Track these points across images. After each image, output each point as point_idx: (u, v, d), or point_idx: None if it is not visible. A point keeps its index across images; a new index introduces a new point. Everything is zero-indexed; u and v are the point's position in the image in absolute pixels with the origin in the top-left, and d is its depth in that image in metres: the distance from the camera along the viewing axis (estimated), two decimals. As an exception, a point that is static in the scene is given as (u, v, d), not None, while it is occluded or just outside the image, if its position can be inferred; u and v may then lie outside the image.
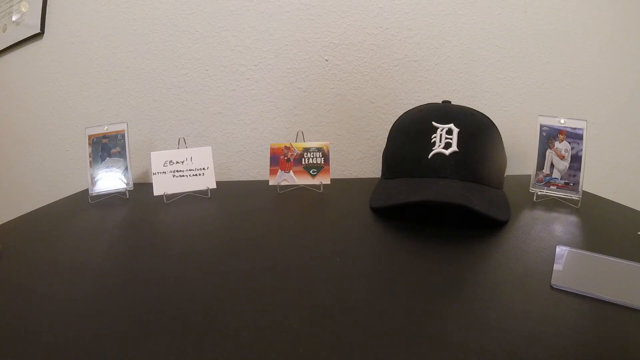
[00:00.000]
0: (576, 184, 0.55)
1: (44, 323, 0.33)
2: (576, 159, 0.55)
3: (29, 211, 0.66)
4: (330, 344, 0.28)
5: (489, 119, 0.59)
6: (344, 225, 0.53)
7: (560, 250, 0.41)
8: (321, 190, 0.67)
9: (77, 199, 0.72)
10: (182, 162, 0.67)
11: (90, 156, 0.68)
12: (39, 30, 0.81)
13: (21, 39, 0.83)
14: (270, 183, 0.67)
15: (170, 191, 0.66)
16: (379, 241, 0.48)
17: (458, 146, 0.52)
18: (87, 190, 0.69)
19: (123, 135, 0.69)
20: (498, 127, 0.58)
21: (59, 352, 0.29)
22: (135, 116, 0.83)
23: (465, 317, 0.31)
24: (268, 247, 0.47)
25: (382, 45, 0.76)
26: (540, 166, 0.58)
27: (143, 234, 0.54)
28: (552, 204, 0.57)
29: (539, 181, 0.58)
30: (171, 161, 0.66)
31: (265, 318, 0.32)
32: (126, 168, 0.69)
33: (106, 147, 0.69)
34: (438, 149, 0.53)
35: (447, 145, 0.53)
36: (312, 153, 0.67)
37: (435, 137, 0.54)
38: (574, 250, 0.41)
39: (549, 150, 0.57)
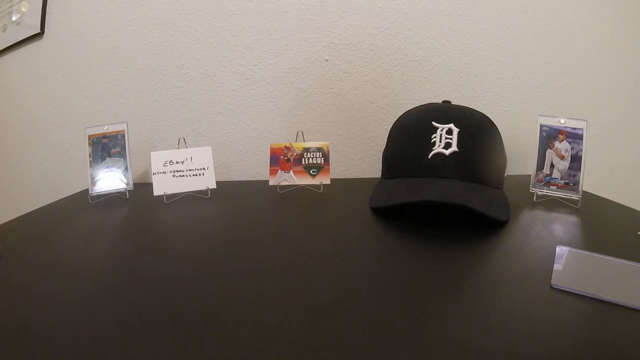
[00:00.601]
0: (576, 184, 0.55)
1: (44, 323, 0.33)
2: (576, 159, 0.55)
3: (29, 211, 0.66)
4: (330, 344, 0.28)
5: (489, 119, 0.59)
6: (344, 225, 0.53)
7: (560, 250, 0.41)
8: (321, 190, 0.67)
9: (77, 199, 0.72)
10: (182, 162, 0.67)
11: (90, 156, 0.68)
12: (39, 30, 0.81)
13: (21, 39, 0.83)
14: (270, 183, 0.67)
15: (170, 191, 0.66)
16: (379, 241, 0.48)
17: (458, 146, 0.52)
18: (87, 190, 0.69)
19: (123, 135, 0.69)
20: (498, 127, 0.58)
21: (59, 352, 0.29)
22: (135, 116, 0.83)
23: (465, 317, 0.31)
24: (268, 247, 0.47)
25: (382, 45, 0.76)
26: (540, 166, 0.57)
27: (143, 234, 0.54)
28: (552, 204, 0.57)
29: (539, 181, 0.58)
30: (171, 161, 0.66)
31: (265, 318, 0.32)
32: (126, 168, 0.69)
33: (106, 147, 0.69)
34: (438, 149, 0.53)
35: (447, 145, 0.53)
36: (312, 153, 0.67)
37: (435, 137, 0.54)
38: (574, 250, 0.41)
39: (549, 150, 0.57)
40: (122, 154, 0.69)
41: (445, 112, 0.57)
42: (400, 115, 0.64)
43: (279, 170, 0.67)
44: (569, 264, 0.38)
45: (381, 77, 0.77)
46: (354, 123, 0.79)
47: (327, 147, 0.67)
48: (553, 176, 0.57)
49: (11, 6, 0.85)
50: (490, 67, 0.76)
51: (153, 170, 0.66)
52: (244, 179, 0.83)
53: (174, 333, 0.30)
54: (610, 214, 0.55)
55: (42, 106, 0.86)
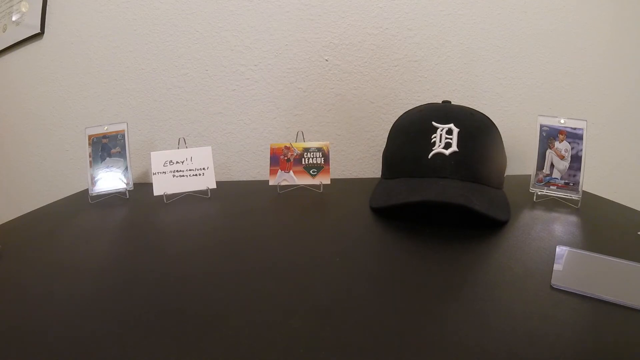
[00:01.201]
0: (576, 184, 0.55)
1: (44, 323, 0.33)
2: (576, 159, 0.55)
3: (29, 211, 0.66)
4: (330, 344, 0.28)
5: (489, 119, 0.59)
6: (344, 225, 0.53)
7: (560, 250, 0.41)
8: (321, 190, 0.67)
9: (77, 199, 0.72)
10: (182, 162, 0.67)
11: (90, 156, 0.68)
12: (39, 30, 0.81)
13: (21, 39, 0.83)
14: (270, 183, 0.67)
15: (170, 191, 0.66)
16: (379, 241, 0.48)
17: (458, 146, 0.52)
18: (87, 190, 0.69)
19: (123, 135, 0.69)
20: (498, 127, 0.58)
21: (59, 352, 0.29)
22: (135, 116, 0.83)
23: (465, 317, 0.31)
24: (268, 247, 0.47)
25: (382, 45, 0.76)
26: (540, 166, 0.57)
27: (143, 234, 0.54)
28: (552, 204, 0.57)
29: (539, 181, 0.58)
30: (171, 161, 0.66)
31: (265, 318, 0.32)
32: (126, 168, 0.69)
33: (106, 147, 0.69)
34: (438, 149, 0.53)
35: (447, 145, 0.53)
36: (312, 153, 0.67)
37: (435, 137, 0.54)
38: (574, 250, 0.41)
39: (549, 150, 0.57)
40: (122, 154, 0.69)
41: (445, 112, 0.57)
42: (400, 115, 0.64)
43: (279, 170, 0.67)
44: (569, 264, 0.38)
45: (381, 77, 0.77)
46: (354, 123, 0.79)
47: (327, 147, 0.67)
48: (553, 176, 0.57)
49: (11, 6, 0.85)
50: (490, 67, 0.76)
51: (153, 170, 0.66)
52: (244, 179, 0.83)
53: (174, 333, 0.30)
54: (610, 214, 0.55)
55: (42, 106, 0.86)
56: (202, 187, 0.67)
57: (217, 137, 0.82)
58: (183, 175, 0.67)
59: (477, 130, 0.55)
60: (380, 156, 0.66)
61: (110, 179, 0.69)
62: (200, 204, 0.64)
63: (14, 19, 0.84)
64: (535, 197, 0.58)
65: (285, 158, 0.67)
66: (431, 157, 0.53)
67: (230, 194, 0.69)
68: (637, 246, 0.43)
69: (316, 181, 0.66)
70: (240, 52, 0.78)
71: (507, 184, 0.58)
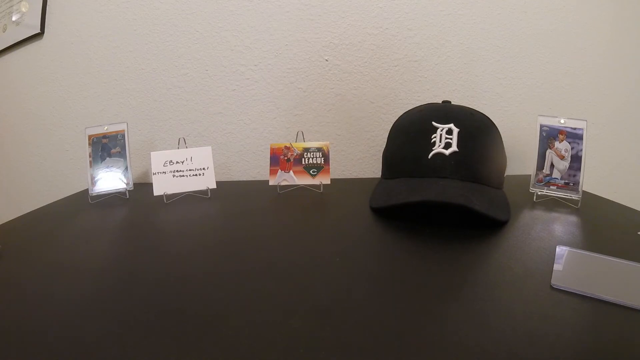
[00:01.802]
0: (576, 184, 0.55)
1: (44, 323, 0.33)
2: (576, 159, 0.55)
3: (29, 211, 0.66)
4: (330, 344, 0.28)
5: (489, 119, 0.59)
6: (344, 225, 0.53)
7: (560, 250, 0.41)
8: (321, 190, 0.67)
9: (77, 199, 0.72)
10: (182, 162, 0.67)
11: (90, 156, 0.68)
12: (39, 30, 0.81)
13: (21, 39, 0.83)
14: (270, 183, 0.67)
15: (170, 191, 0.66)
16: (379, 241, 0.48)
17: (458, 146, 0.52)
18: (87, 190, 0.69)
19: (123, 135, 0.69)
20: (498, 127, 0.58)
21: (59, 352, 0.29)
22: (135, 116, 0.83)
23: (466, 317, 0.31)
24: (268, 247, 0.47)
25: (382, 45, 0.76)
26: (540, 166, 0.57)
27: (143, 234, 0.54)
28: (552, 204, 0.57)
29: (539, 181, 0.58)
30: (171, 161, 0.66)
31: (265, 318, 0.32)
32: (126, 168, 0.69)
33: (106, 147, 0.69)
34: (438, 149, 0.53)
35: (447, 145, 0.53)
36: (312, 153, 0.67)
37: (435, 137, 0.54)
38: (574, 250, 0.41)
39: (549, 150, 0.57)
40: (122, 154, 0.69)
41: (445, 112, 0.57)
42: (400, 115, 0.64)
43: (279, 170, 0.67)
44: (569, 264, 0.38)
45: (381, 77, 0.77)
46: (354, 123, 0.79)
47: (327, 147, 0.67)
48: (553, 176, 0.57)
49: (11, 6, 0.85)
50: (490, 67, 0.76)
51: (153, 170, 0.66)
52: (244, 179, 0.83)
53: (174, 333, 0.30)
54: (610, 214, 0.55)
55: (42, 106, 0.86)
56: (202, 187, 0.67)
57: (217, 137, 0.82)
58: (183, 175, 0.67)
59: (477, 130, 0.55)
60: (380, 156, 0.66)
61: (110, 179, 0.69)
62: (200, 204, 0.64)
63: (14, 19, 0.84)
64: (535, 197, 0.58)
65: (285, 158, 0.67)
66: (431, 157, 0.53)
67: (230, 194, 0.69)
68: (637, 246, 0.43)
69: (316, 181, 0.66)
70: (240, 52, 0.78)
71: (507, 184, 0.58)
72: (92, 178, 0.68)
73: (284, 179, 0.67)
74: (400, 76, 0.77)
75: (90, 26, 0.80)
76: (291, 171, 0.67)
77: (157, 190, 0.65)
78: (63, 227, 0.57)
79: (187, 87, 0.80)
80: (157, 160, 0.66)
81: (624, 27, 0.74)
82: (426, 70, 0.77)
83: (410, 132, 0.58)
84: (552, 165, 0.57)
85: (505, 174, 0.59)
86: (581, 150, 0.55)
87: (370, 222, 0.53)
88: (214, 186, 0.67)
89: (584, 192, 0.57)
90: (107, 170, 0.69)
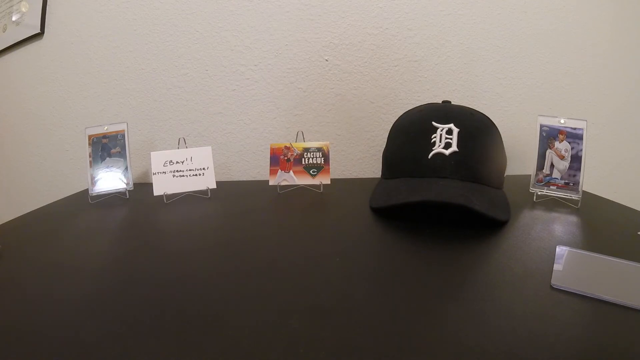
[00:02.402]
0: (576, 184, 0.55)
1: (43, 323, 0.33)
2: (576, 159, 0.55)
3: (29, 211, 0.66)
4: (330, 344, 0.28)
5: (489, 119, 0.59)
6: (344, 225, 0.53)
7: (560, 250, 0.41)
8: (321, 190, 0.67)
9: (77, 199, 0.72)
10: (182, 162, 0.67)
11: (90, 156, 0.68)
12: (39, 30, 0.81)
13: (21, 39, 0.83)
14: (270, 183, 0.67)
15: (170, 191, 0.66)
16: (379, 241, 0.48)
17: (458, 146, 0.52)
18: (87, 190, 0.69)
19: (123, 135, 0.69)
20: (498, 127, 0.58)
21: (59, 352, 0.29)
22: (135, 116, 0.83)
23: (466, 317, 0.31)
24: (268, 247, 0.47)
25: (382, 45, 0.76)
26: (540, 166, 0.57)
27: (143, 234, 0.54)
28: (552, 204, 0.57)
29: (539, 181, 0.58)
30: (171, 161, 0.66)
31: (265, 318, 0.32)
32: (126, 168, 0.69)
33: (106, 147, 0.69)
34: (438, 149, 0.53)
35: (447, 145, 0.53)
36: (312, 153, 0.67)
37: (435, 137, 0.54)
38: (574, 250, 0.41)
39: (549, 150, 0.57)
40: (122, 154, 0.69)
41: (445, 112, 0.57)
42: (400, 115, 0.64)
43: (279, 170, 0.67)
44: (569, 264, 0.38)
45: (381, 77, 0.77)
46: (354, 123, 0.79)
47: (327, 147, 0.67)
48: (553, 176, 0.57)
49: (11, 6, 0.85)
50: (490, 67, 0.76)
51: (153, 170, 0.66)
52: (244, 179, 0.83)
53: (174, 333, 0.30)
54: (610, 214, 0.55)
55: (42, 106, 0.86)
56: (202, 187, 0.67)
57: (217, 137, 0.82)
58: (183, 175, 0.67)
59: (477, 130, 0.55)
60: (380, 156, 0.66)
61: (110, 179, 0.69)
62: (200, 204, 0.64)
63: (14, 19, 0.84)
64: (535, 197, 0.58)
65: (285, 158, 0.67)
66: (431, 157, 0.53)
67: (230, 194, 0.69)
68: (637, 246, 0.43)
69: (316, 181, 0.66)
70: (240, 52, 0.78)
71: (507, 184, 0.58)
72: (92, 178, 0.68)
73: (284, 179, 0.67)
74: (400, 76, 0.77)
75: (90, 26, 0.80)
76: (291, 171, 0.67)
77: (157, 190, 0.65)
78: (63, 227, 0.57)
79: (187, 87, 0.80)
80: (157, 160, 0.66)
81: (624, 27, 0.74)
82: (426, 70, 0.77)
83: (410, 132, 0.58)
84: (552, 165, 0.57)
85: (505, 174, 0.59)
86: (581, 150, 0.55)
87: (370, 222, 0.53)
88: (214, 186, 0.67)
89: (584, 192, 0.57)
90: (107, 170, 0.69)
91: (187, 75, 0.80)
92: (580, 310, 0.32)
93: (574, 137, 0.55)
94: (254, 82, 0.79)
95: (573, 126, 0.55)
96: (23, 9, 0.83)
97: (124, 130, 0.69)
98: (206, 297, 0.36)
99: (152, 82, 0.81)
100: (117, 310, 0.34)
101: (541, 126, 0.57)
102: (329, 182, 0.66)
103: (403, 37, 0.76)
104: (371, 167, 0.81)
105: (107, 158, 0.69)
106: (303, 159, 0.67)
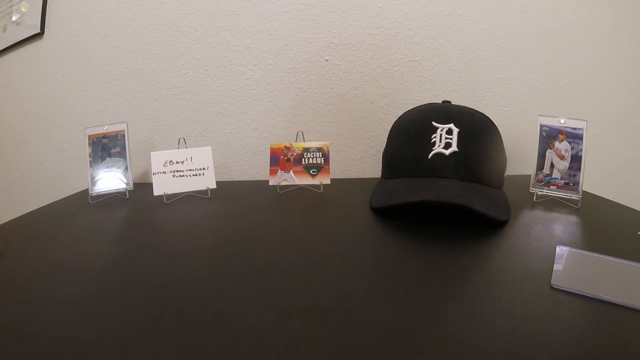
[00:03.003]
0: (576, 184, 0.55)
1: (44, 323, 0.33)
2: (576, 159, 0.55)
3: (29, 211, 0.66)
4: (330, 344, 0.28)
5: (489, 119, 0.59)
6: (344, 225, 0.53)
7: (560, 250, 0.41)
8: (321, 190, 0.67)
9: (77, 199, 0.72)
10: (182, 162, 0.67)
11: (90, 156, 0.68)
12: (39, 30, 0.81)
13: (21, 39, 0.83)
14: (270, 183, 0.67)
15: (170, 191, 0.66)
16: (379, 241, 0.48)
17: (458, 146, 0.52)
18: (87, 190, 0.69)
19: (123, 135, 0.69)
20: (498, 127, 0.58)
21: (59, 352, 0.29)
22: (135, 116, 0.83)
23: (466, 317, 0.31)
24: (268, 247, 0.47)
25: (382, 45, 0.76)
26: (540, 166, 0.57)
27: (143, 234, 0.54)
28: (552, 204, 0.57)
29: (539, 181, 0.58)
30: (171, 161, 0.66)
31: (265, 318, 0.32)
32: (126, 168, 0.69)
33: (106, 147, 0.69)
34: (438, 149, 0.53)
35: (447, 145, 0.53)
36: (312, 153, 0.67)
37: (435, 137, 0.54)
38: (574, 250, 0.41)
39: (549, 150, 0.57)
40: (122, 154, 0.69)
41: (445, 112, 0.57)
42: (400, 115, 0.64)
43: (279, 170, 0.67)
44: (569, 264, 0.38)
45: (381, 77, 0.77)
46: (354, 123, 0.79)
47: (327, 147, 0.67)
48: (553, 176, 0.57)
49: (11, 6, 0.85)
50: (490, 67, 0.76)
51: (153, 170, 0.66)
52: (244, 179, 0.83)
53: (174, 333, 0.30)
54: (610, 214, 0.55)
55: (42, 106, 0.86)
56: (202, 187, 0.67)
57: (217, 137, 0.82)
58: (183, 175, 0.67)
59: (477, 130, 0.55)
60: (380, 156, 0.66)
61: (110, 179, 0.69)
62: (200, 204, 0.64)
63: (14, 19, 0.84)
64: (535, 197, 0.58)
65: (285, 158, 0.67)
66: (431, 157, 0.53)
67: (230, 194, 0.69)
68: (637, 246, 0.43)
69: (316, 181, 0.66)
70: (240, 52, 0.78)
71: (507, 184, 0.58)
72: (92, 178, 0.68)
73: (284, 179, 0.67)
74: (400, 76, 0.77)
75: (90, 26, 0.80)
76: (291, 171, 0.67)
77: (157, 190, 0.65)
78: (63, 227, 0.57)
79: (187, 87, 0.80)
80: (157, 160, 0.66)
81: (624, 27, 0.74)
82: (426, 70, 0.77)
83: (410, 132, 0.58)
84: (552, 165, 0.57)
85: (505, 174, 0.59)
86: (581, 150, 0.55)
87: (370, 222, 0.53)
88: (214, 186, 0.67)
89: (584, 192, 0.57)
90: (107, 170, 0.69)
91: (187, 75, 0.80)
92: (580, 310, 0.32)
93: (574, 137, 0.55)
94: (254, 82, 0.79)
95: (573, 126, 0.55)
96: (23, 9, 0.83)
97: (124, 130, 0.69)
98: (206, 297, 0.36)
99: (152, 82, 0.81)
100: (117, 310, 0.34)
101: (541, 126, 0.57)
102: (329, 182, 0.66)
103: (403, 37, 0.76)
104: (371, 167, 0.81)
105: (107, 158, 0.69)
106: (303, 159, 0.67)
